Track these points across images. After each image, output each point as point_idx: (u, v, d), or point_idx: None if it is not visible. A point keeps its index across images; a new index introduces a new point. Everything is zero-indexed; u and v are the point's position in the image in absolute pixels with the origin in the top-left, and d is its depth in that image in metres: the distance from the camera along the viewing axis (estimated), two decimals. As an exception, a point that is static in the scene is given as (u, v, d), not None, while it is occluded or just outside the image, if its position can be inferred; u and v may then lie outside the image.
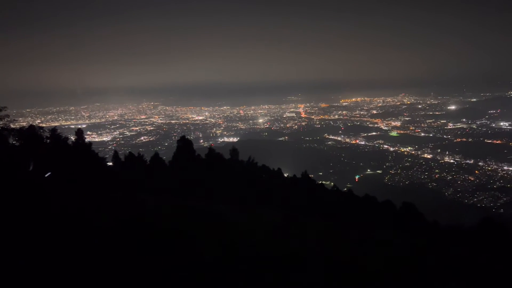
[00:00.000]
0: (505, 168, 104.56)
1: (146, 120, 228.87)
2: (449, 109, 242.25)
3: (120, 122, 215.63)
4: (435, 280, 9.15)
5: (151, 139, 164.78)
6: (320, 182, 37.86)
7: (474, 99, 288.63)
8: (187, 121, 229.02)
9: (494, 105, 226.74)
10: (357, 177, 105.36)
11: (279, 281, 7.05)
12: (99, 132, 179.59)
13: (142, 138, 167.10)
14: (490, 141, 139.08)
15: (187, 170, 22.37)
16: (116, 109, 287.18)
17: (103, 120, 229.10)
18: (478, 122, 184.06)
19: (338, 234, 14.02)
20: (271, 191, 22.95)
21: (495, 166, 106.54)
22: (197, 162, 24.37)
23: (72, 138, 25.03)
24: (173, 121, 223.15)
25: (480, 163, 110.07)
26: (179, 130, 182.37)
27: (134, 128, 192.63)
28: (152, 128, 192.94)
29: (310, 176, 30.28)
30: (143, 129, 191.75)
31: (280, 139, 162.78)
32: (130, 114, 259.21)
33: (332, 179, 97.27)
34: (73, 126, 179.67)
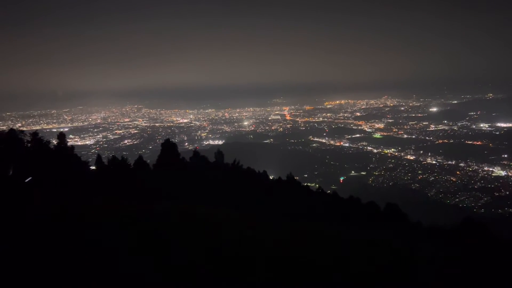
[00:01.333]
0: (486, 168, 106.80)
1: (130, 123, 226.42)
2: (431, 111, 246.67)
3: (104, 125, 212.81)
4: (418, 279, 9.28)
5: (135, 142, 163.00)
6: (305, 184, 38.01)
7: (455, 101, 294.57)
8: (172, 124, 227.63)
9: (474, 107, 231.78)
10: (341, 178, 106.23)
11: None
12: (82, 135, 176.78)
13: (125, 141, 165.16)
14: (470, 142, 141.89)
15: (171, 173, 22.22)
16: (99, 112, 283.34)
17: (86, 123, 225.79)
18: (459, 124, 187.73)
19: (320, 234, 14.09)
20: (254, 194, 22.94)
21: (476, 167, 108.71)
22: (181, 165, 24.24)
23: (54, 142, 24.56)
24: (157, 124, 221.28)
25: (461, 164, 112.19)
26: (163, 133, 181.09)
27: (118, 131, 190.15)
28: (136, 131, 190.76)
29: (295, 178, 30.42)
30: (127, 132, 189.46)
31: (265, 141, 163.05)
32: (113, 117, 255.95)
33: (317, 181, 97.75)
34: (55, 130, 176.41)
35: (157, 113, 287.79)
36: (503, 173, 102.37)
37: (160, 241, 8.98)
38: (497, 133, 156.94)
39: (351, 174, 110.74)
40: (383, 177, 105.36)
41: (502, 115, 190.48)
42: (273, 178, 32.74)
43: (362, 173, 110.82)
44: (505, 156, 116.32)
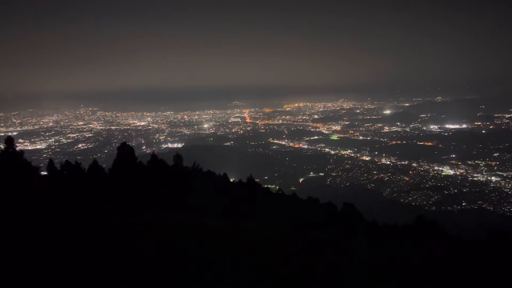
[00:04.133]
0: (436, 168, 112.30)
1: (84, 126, 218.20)
2: (385, 113, 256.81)
3: (56, 129, 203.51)
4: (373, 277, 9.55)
5: (90, 146, 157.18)
6: (266, 185, 38.24)
7: (407, 104, 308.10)
8: (129, 126, 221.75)
9: (425, 110, 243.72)
10: (301, 180, 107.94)
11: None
12: (33, 139, 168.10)
13: (79, 145, 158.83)
14: (422, 143, 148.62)
15: (127, 178, 21.57)
16: (51, 115, 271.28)
17: (36, 127, 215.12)
18: (411, 126, 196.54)
19: (276, 234, 14.21)
20: (213, 196, 22.77)
21: (427, 167, 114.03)
22: (139, 169, 23.59)
23: (1, 146, 23.17)
24: (113, 127, 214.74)
25: (413, 164, 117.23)
26: (119, 137, 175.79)
27: (71, 135, 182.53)
28: (90, 135, 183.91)
29: (255, 180, 30.50)
30: (81, 136, 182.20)
31: (225, 144, 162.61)
32: (66, 120, 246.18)
33: (277, 183, 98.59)
34: (2, 134, 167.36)
35: (113, 115, 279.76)
36: (451, 172, 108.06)
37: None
38: (446, 134, 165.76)
39: (310, 175, 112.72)
40: (340, 178, 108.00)
41: (450, 117, 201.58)
42: (233, 180, 32.66)
43: (321, 174, 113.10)
44: (453, 156, 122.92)
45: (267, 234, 14.04)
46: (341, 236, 16.79)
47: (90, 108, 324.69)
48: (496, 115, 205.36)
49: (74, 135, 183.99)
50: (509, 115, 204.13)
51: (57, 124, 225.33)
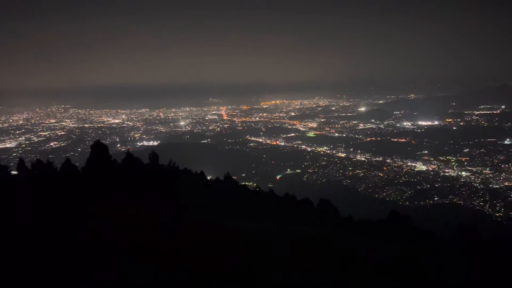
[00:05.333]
0: (409, 164, 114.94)
1: (57, 124, 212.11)
2: (360, 110, 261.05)
3: (26, 127, 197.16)
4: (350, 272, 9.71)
5: (62, 144, 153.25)
6: (243, 183, 38.27)
7: (381, 101, 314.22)
8: (103, 124, 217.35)
9: (398, 107, 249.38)
10: (278, 176, 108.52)
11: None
12: (2, 138, 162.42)
13: (51, 143, 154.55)
14: (396, 139, 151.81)
15: (101, 177, 21.14)
16: (21, 113, 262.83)
17: (5, 125, 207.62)
18: (385, 123, 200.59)
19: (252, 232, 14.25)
20: (187, 193, 22.62)
21: (401, 163, 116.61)
22: (112, 168, 23.14)
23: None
24: (86, 125, 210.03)
25: (388, 160, 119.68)
26: (93, 135, 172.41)
27: (43, 133, 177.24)
28: (63, 133, 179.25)
29: (233, 177, 30.46)
30: (53, 134, 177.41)
31: (202, 141, 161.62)
32: (37, 118, 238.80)
33: (255, 180, 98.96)
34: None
35: (86, 113, 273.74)
36: (424, 167, 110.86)
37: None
38: (419, 131, 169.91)
39: (287, 172, 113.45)
40: (316, 174, 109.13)
41: (422, 114, 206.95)
42: (210, 178, 32.52)
43: (297, 171, 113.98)
44: (426, 152, 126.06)
45: (246, 231, 14.06)
46: (318, 231, 16.98)
47: (63, 106, 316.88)
48: (466, 112, 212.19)
49: (46, 133, 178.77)
50: (478, 112, 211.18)
51: (28, 122, 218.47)
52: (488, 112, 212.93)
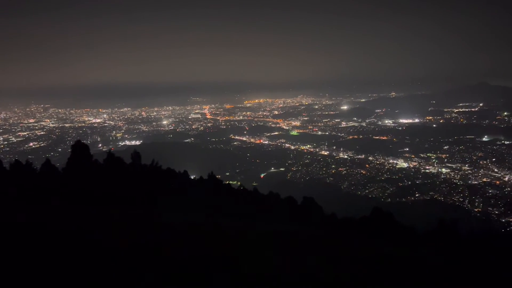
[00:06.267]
0: (391, 161, 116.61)
1: (36, 124, 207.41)
2: (342, 109, 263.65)
3: (4, 127, 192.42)
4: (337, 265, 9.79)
5: (42, 144, 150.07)
6: (227, 182, 38.26)
7: (363, 99, 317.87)
8: (83, 124, 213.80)
9: (380, 105, 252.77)
10: (262, 175, 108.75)
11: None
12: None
13: (31, 144, 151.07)
14: (377, 137, 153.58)
15: (82, 177, 20.80)
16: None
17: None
18: (367, 121, 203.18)
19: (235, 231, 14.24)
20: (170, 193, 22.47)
21: (383, 160, 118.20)
22: (94, 168, 22.79)
23: None
24: (67, 125, 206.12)
25: (370, 158, 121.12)
26: (74, 134, 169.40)
27: (21, 133, 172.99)
28: (42, 133, 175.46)
29: (217, 176, 30.35)
30: (32, 134, 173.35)
31: (186, 140, 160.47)
32: (16, 118, 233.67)
33: (239, 179, 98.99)
34: None
35: (67, 112, 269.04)
36: (405, 165, 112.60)
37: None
38: (400, 128, 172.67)
39: (271, 170, 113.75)
40: (300, 172, 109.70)
41: (403, 112, 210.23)
42: (194, 177, 32.35)
43: (281, 169, 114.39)
44: (407, 149, 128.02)
45: (230, 230, 14.03)
46: (302, 229, 17.07)
47: (42, 105, 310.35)
48: (445, 110, 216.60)
49: (25, 133, 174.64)
50: (457, 110, 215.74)
51: (6, 122, 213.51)
52: (467, 109, 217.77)
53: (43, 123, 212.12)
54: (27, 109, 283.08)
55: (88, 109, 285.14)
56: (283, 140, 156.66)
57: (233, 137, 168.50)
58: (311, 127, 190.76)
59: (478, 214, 71.34)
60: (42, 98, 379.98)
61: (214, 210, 19.74)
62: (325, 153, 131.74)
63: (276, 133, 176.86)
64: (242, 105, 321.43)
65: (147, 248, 9.16)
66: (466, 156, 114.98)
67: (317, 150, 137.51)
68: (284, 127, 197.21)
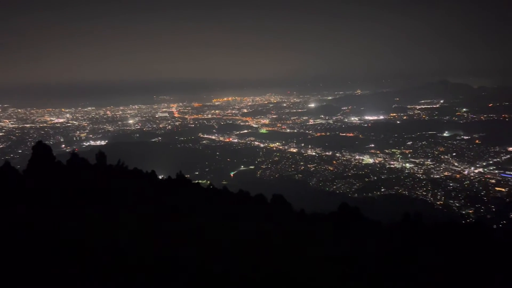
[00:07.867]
0: (357, 157, 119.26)
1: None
2: (310, 106, 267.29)
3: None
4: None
5: (1, 146, 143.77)
6: (197, 181, 37.84)
7: (330, 97, 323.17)
8: (45, 124, 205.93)
9: (346, 103, 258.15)
10: (232, 173, 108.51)
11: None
12: None
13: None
14: (344, 134, 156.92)
15: (44, 179, 20.00)
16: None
17: None
18: (334, 118, 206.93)
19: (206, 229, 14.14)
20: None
21: (349, 156, 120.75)
22: (57, 170, 21.96)
23: None
24: (27, 125, 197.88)
25: (337, 154, 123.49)
26: (35, 135, 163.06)
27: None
28: (1, 134, 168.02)
29: (186, 176, 29.99)
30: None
31: (153, 140, 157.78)
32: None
33: (208, 177, 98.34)
34: None
35: (27, 112, 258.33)
36: (371, 160, 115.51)
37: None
38: (366, 125, 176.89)
39: (241, 168, 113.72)
40: (270, 170, 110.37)
41: (369, 109, 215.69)
42: (162, 177, 31.83)
43: (251, 167, 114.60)
44: (373, 145, 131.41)
45: (201, 230, 13.89)
46: (271, 227, 17.15)
47: (0, 105, 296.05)
48: (408, 107, 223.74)
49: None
50: (419, 107, 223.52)
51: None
52: (429, 106, 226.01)
53: (1, 123, 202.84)
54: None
55: (50, 109, 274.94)
56: (252, 138, 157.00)
57: (202, 135, 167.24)
58: (280, 125, 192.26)
59: (440, 207, 74.25)
60: (0, 97, 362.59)
61: (173, 210, 19.48)
62: (294, 151, 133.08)
63: (246, 131, 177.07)
64: (211, 103, 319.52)
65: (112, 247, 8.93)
66: (428, 151, 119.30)
67: (286, 147, 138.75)
68: (253, 125, 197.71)
